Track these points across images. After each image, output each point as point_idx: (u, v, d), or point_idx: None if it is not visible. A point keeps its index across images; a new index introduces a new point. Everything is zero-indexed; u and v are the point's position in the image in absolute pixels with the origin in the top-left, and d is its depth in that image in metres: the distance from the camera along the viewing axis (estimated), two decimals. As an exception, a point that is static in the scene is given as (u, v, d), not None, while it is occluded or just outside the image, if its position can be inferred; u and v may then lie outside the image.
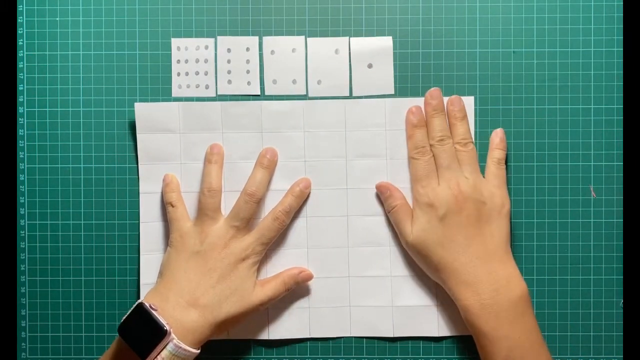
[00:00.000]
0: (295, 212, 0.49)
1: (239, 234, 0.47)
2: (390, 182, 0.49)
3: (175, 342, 0.42)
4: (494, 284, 0.44)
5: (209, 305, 0.44)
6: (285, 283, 0.48)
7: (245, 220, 0.47)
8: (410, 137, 0.48)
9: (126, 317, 0.42)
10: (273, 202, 0.49)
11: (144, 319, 0.42)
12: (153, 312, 0.42)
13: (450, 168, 0.47)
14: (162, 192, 0.49)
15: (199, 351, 0.44)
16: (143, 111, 0.50)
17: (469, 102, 0.50)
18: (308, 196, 0.50)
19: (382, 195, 0.49)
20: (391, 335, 0.49)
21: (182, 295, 0.44)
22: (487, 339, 0.44)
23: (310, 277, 0.49)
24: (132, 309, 0.42)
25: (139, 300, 0.43)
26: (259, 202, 0.48)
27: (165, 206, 0.49)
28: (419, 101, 0.49)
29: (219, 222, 0.47)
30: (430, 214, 0.46)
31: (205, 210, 0.47)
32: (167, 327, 0.41)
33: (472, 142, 0.48)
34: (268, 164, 0.49)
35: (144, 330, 0.41)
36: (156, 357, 0.41)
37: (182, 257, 0.46)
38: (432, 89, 0.49)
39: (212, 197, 0.47)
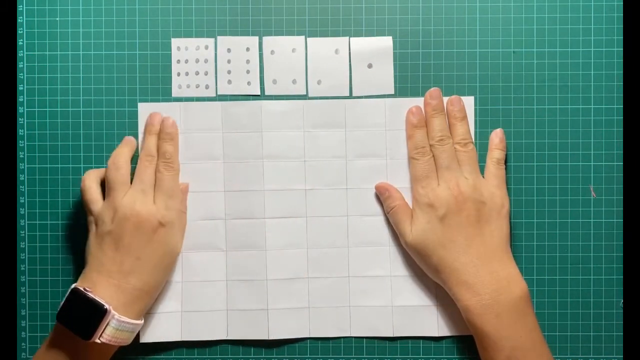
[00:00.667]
0: (177, 153, 0.49)
1: (146, 199, 0.46)
2: (389, 183, 0.49)
3: (117, 317, 0.42)
4: (494, 284, 0.44)
5: (140, 278, 0.45)
6: (183, 211, 0.49)
7: (149, 182, 0.47)
8: (410, 137, 0.48)
9: (63, 304, 0.43)
10: (273, 202, 0.49)
11: (81, 302, 0.42)
12: (88, 293, 0.42)
13: (450, 168, 0.47)
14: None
15: (141, 321, 0.46)
16: (146, 111, 0.50)
17: (469, 102, 0.50)
18: (308, 196, 0.50)
19: (381, 196, 0.49)
20: (391, 335, 0.49)
21: (111, 275, 0.44)
22: (488, 339, 0.44)
23: (185, 187, 0.49)
24: (67, 295, 0.43)
25: (72, 286, 0.43)
26: (154, 163, 0.48)
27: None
28: (419, 101, 0.49)
29: (127, 194, 0.46)
30: (430, 214, 0.46)
31: (112, 185, 0.46)
32: (106, 306, 0.42)
33: (472, 143, 0.48)
34: (156, 129, 0.49)
35: (83, 313, 0.42)
36: (101, 335, 0.42)
37: (99, 240, 0.46)
38: (432, 89, 0.49)
39: (118, 169, 0.46)
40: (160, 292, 0.48)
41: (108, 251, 0.45)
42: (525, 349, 0.43)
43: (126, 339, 0.44)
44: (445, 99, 0.49)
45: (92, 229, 0.46)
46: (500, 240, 0.46)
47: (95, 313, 0.42)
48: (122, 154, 0.47)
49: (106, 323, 0.42)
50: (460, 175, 0.47)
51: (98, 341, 0.42)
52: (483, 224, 0.46)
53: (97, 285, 0.44)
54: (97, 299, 0.42)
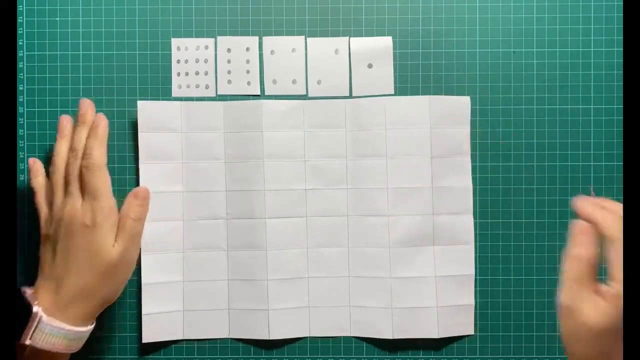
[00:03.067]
0: (102, 149, 0.44)
1: (73, 200, 0.43)
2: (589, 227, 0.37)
3: (47, 321, 0.41)
4: None
5: (73, 282, 0.42)
6: (129, 216, 0.44)
7: (74, 179, 0.43)
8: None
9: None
10: (273, 202, 0.49)
11: (18, 303, 0.41)
12: (25, 295, 0.42)
13: None
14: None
15: (81, 328, 0.43)
16: (145, 109, 0.50)
17: (465, 101, 0.50)
18: (308, 196, 0.50)
19: (576, 238, 0.37)
20: (391, 337, 0.49)
21: (49, 279, 0.43)
22: None
23: (143, 191, 0.46)
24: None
25: (22, 288, 0.43)
26: (80, 158, 0.44)
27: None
28: (419, 101, 0.49)
29: (60, 196, 0.44)
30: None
31: (53, 186, 0.44)
32: (34, 308, 0.41)
33: None
34: (89, 120, 0.46)
35: (18, 314, 0.41)
36: (31, 337, 0.40)
37: (42, 243, 0.45)
38: None
39: (54, 172, 0.45)
40: (112, 298, 0.45)
41: (46, 255, 0.44)
42: None
43: (68, 346, 0.42)
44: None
45: (40, 233, 0.45)
46: None
47: (25, 315, 0.41)
48: (59, 153, 0.45)
49: (34, 326, 0.40)
50: None
51: (28, 342, 0.40)
52: None
53: (39, 288, 0.43)
54: (28, 299, 0.41)
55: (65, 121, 0.46)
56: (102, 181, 0.44)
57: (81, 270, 0.43)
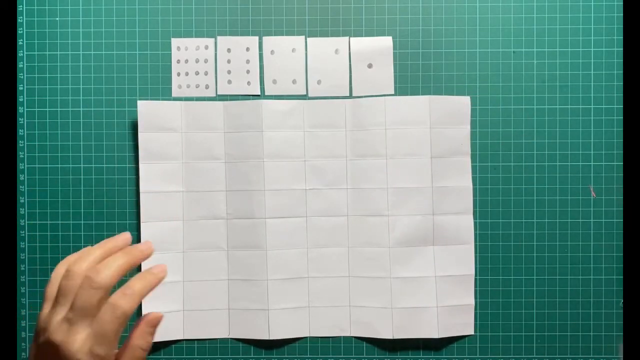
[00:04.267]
0: (142, 298, 0.36)
1: (73, 331, 0.34)
2: None
3: None
4: None
5: None
6: (139, 346, 0.37)
7: (81, 311, 0.34)
8: None
9: None
10: (273, 201, 0.49)
11: None
12: None
13: None
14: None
15: None
16: (145, 109, 0.50)
17: (465, 102, 0.50)
18: (308, 196, 0.50)
19: None
20: (391, 337, 0.49)
21: None
22: None
23: (157, 317, 0.38)
24: None
25: None
26: (102, 291, 0.35)
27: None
28: (419, 100, 0.49)
29: (59, 316, 0.35)
30: None
31: (59, 293, 0.36)
32: None
33: None
34: (135, 255, 0.38)
35: None
36: None
37: (31, 345, 0.36)
38: None
39: (69, 279, 0.35)
40: None
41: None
42: None
43: None
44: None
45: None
46: None
47: None
48: (86, 259, 0.36)
49: None
50: None
51: None
52: None
53: None
54: None
55: (123, 238, 0.38)
56: (116, 329, 0.35)
57: None
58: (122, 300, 0.35)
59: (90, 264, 0.36)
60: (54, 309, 0.35)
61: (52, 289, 0.36)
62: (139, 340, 0.37)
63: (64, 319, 0.35)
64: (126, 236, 0.38)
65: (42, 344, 0.35)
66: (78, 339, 0.34)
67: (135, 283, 0.37)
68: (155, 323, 0.38)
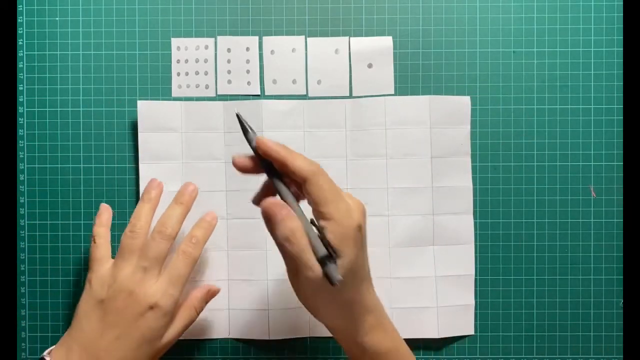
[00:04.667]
0: (205, 244, 0.44)
1: (147, 277, 0.41)
2: None
3: None
4: None
5: (114, 357, 0.40)
6: (195, 308, 0.45)
7: (155, 260, 0.42)
8: None
9: None
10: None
11: None
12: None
13: None
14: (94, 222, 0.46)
15: None
16: (145, 109, 0.50)
17: (465, 102, 0.50)
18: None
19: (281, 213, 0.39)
20: (391, 335, 0.49)
21: (86, 347, 0.40)
22: None
23: (217, 291, 0.47)
24: None
25: (43, 354, 0.41)
26: (170, 240, 0.43)
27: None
28: (419, 100, 0.49)
29: (130, 267, 0.42)
30: None
31: (122, 252, 0.42)
32: None
33: None
34: (186, 201, 0.45)
35: None
36: None
37: (89, 305, 0.42)
38: None
39: (134, 238, 0.42)
40: None
41: (93, 320, 0.41)
42: None
43: None
44: (443, 99, 0.49)
45: (87, 287, 0.42)
46: None
47: None
48: (141, 217, 0.43)
49: None
50: None
51: None
52: None
53: (69, 353, 0.40)
54: None
55: (155, 185, 0.46)
56: (188, 272, 0.43)
57: (130, 350, 0.40)
58: (191, 248, 0.43)
59: (146, 222, 0.43)
60: (117, 264, 0.42)
61: (101, 251, 0.43)
62: (197, 302, 0.45)
63: (137, 268, 0.41)
64: (191, 187, 0.46)
65: (109, 298, 0.41)
66: (154, 283, 0.41)
67: (197, 231, 0.44)
68: (213, 295, 0.47)
